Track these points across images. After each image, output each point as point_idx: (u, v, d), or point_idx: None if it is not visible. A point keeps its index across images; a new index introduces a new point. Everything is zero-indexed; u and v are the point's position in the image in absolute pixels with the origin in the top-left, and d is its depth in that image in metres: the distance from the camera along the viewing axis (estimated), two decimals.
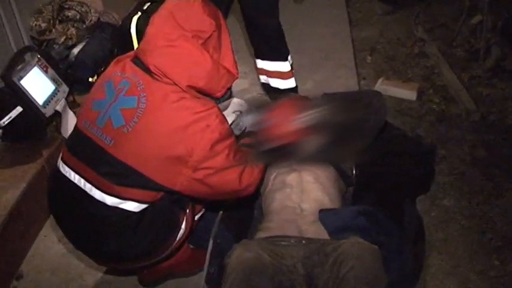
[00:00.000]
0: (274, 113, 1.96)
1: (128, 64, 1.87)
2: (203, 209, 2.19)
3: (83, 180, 1.88)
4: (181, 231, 2.03)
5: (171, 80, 1.77)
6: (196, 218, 2.15)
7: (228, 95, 1.98)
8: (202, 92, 1.84)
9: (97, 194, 1.85)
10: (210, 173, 1.82)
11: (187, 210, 2.03)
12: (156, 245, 1.98)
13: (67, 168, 1.93)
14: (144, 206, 1.88)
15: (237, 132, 2.23)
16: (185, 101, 1.78)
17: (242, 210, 2.39)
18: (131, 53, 1.96)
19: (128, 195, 1.84)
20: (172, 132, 1.76)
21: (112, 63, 1.96)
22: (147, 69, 1.80)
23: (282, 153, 2.01)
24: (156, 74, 1.79)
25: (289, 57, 3.19)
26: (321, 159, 2.32)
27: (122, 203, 1.85)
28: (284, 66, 3.16)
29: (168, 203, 1.93)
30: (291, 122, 1.90)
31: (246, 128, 2.28)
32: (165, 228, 1.97)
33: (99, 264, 2.23)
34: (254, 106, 1.92)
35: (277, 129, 1.91)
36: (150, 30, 1.85)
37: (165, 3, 1.89)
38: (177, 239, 2.03)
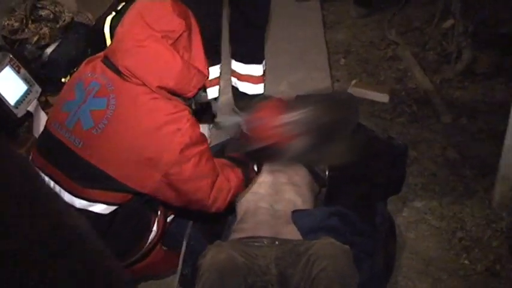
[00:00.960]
0: (260, 114, 1.97)
1: (98, 65, 1.86)
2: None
3: (52, 182, 1.86)
4: (153, 233, 2.02)
5: (140, 80, 1.76)
6: (168, 219, 2.15)
7: (200, 94, 1.96)
8: (173, 93, 1.82)
9: (66, 197, 1.83)
10: (179, 179, 1.80)
11: (159, 212, 2.03)
12: (127, 247, 1.97)
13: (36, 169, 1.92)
14: (113, 207, 1.87)
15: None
16: (156, 102, 1.77)
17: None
18: (101, 53, 1.94)
19: (96, 197, 1.82)
20: (142, 134, 1.74)
21: (83, 64, 1.95)
22: (117, 70, 1.79)
23: (267, 154, 2.02)
24: (125, 75, 1.78)
25: (263, 62, 3.19)
26: (305, 160, 2.33)
27: (90, 205, 1.83)
28: (257, 70, 3.15)
29: (139, 205, 1.92)
30: (276, 123, 1.90)
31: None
32: (136, 230, 1.96)
33: None
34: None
35: (263, 130, 1.92)
36: (119, 30, 1.84)
37: (135, 3, 1.88)
38: (149, 240, 2.03)
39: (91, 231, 0.84)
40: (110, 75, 1.80)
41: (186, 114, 1.80)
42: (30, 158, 1.98)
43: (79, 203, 1.83)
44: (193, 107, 1.96)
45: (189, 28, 1.84)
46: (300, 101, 1.93)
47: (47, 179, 1.87)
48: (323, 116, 1.95)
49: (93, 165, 1.78)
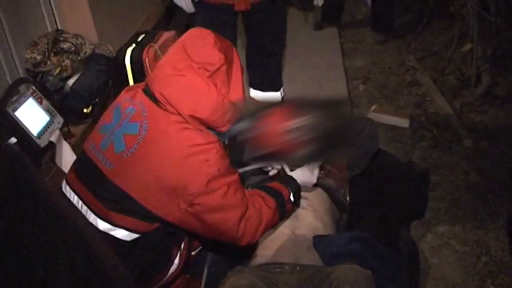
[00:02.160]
0: (266, 120, 1.95)
1: (138, 92, 1.88)
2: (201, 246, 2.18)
3: (80, 202, 1.88)
4: (174, 266, 2.01)
5: (174, 108, 1.77)
6: (193, 253, 2.14)
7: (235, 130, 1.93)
8: (206, 125, 1.81)
9: (91, 217, 1.84)
10: (204, 210, 1.77)
11: (182, 245, 2.02)
12: (146, 277, 1.96)
13: (68, 189, 1.93)
14: (134, 235, 1.86)
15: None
16: (186, 132, 1.76)
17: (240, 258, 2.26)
18: (139, 84, 1.98)
19: (119, 222, 1.83)
20: (169, 163, 1.74)
21: (124, 90, 1.98)
22: (153, 97, 1.81)
23: (272, 159, 2.01)
24: (160, 102, 1.79)
25: (281, 89, 3.20)
26: (309, 163, 2.32)
27: (112, 229, 1.84)
28: (275, 96, 3.16)
29: (161, 236, 1.90)
30: (282, 130, 1.88)
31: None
32: (155, 261, 1.95)
33: None
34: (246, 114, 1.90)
35: (268, 136, 1.90)
36: (162, 59, 1.88)
37: (182, 37, 1.90)
38: (169, 273, 2.02)
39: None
40: (146, 102, 1.81)
41: (216, 146, 1.78)
42: (66, 176, 2.00)
43: (102, 225, 1.83)
44: (226, 142, 1.94)
45: (228, 63, 1.83)
46: (304, 106, 1.91)
47: (76, 198, 1.89)
48: (327, 121, 1.94)
49: (121, 188, 1.78)
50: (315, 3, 3.01)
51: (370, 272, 1.91)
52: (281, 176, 2.18)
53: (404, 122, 3.53)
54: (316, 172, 2.21)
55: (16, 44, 3.05)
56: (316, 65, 4.36)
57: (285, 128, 1.82)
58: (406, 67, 4.27)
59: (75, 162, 2.05)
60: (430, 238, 2.63)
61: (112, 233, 1.84)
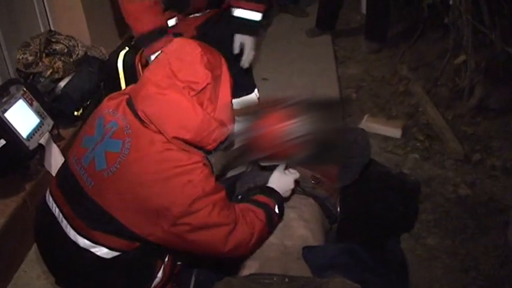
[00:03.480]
0: (262, 122, 1.91)
1: (121, 104, 1.82)
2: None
3: (61, 216, 1.85)
4: (157, 280, 1.98)
5: (157, 128, 1.72)
6: (179, 263, 2.12)
7: (223, 147, 1.87)
8: (191, 144, 1.76)
9: (71, 233, 1.82)
10: (188, 230, 1.74)
11: (167, 259, 1.99)
12: None
13: (51, 199, 1.91)
14: (115, 253, 1.82)
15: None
16: (170, 153, 1.71)
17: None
18: (127, 91, 1.90)
19: (101, 240, 1.79)
20: (152, 184, 1.69)
21: (106, 99, 1.92)
22: (137, 114, 1.75)
23: (271, 161, 1.98)
24: (143, 121, 1.74)
25: (255, 90, 3.11)
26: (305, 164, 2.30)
27: (93, 247, 1.80)
28: (251, 98, 3.05)
29: (143, 253, 1.87)
30: (279, 133, 1.85)
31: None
32: (137, 277, 1.92)
33: None
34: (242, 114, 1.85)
35: (265, 139, 1.87)
36: (145, 73, 1.80)
37: (168, 46, 1.84)
38: (152, 286, 1.99)
39: None
40: (130, 118, 1.76)
41: (200, 166, 1.74)
42: (49, 186, 1.97)
43: (82, 242, 1.80)
44: (212, 160, 1.88)
45: (216, 79, 1.76)
46: (301, 108, 1.88)
47: (57, 211, 1.87)
48: (324, 124, 1.92)
49: (102, 208, 1.74)
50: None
51: (360, 286, 1.90)
52: (262, 187, 2.14)
53: (396, 133, 3.52)
54: (292, 175, 2.17)
55: (8, 44, 3.04)
56: (310, 72, 4.36)
57: (281, 130, 1.78)
58: (399, 77, 4.27)
59: (58, 172, 2.01)
60: (419, 251, 2.62)
61: (92, 250, 1.81)
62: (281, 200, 2.09)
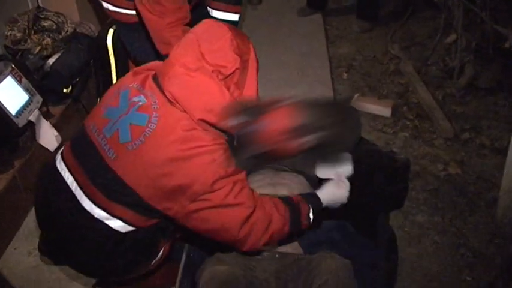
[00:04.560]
0: (266, 118, 1.89)
1: (148, 81, 1.79)
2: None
3: (75, 184, 1.81)
4: (157, 257, 1.99)
5: (184, 109, 1.70)
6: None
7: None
8: (216, 127, 1.73)
9: (86, 203, 1.78)
10: (207, 206, 1.72)
11: (168, 239, 2.00)
12: (128, 268, 1.93)
13: (63, 166, 1.86)
14: (129, 228, 1.81)
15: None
16: (194, 132, 1.70)
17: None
18: (152, 67, 1.88)
19: (118, 213, 1.77)
20: (176, 160, 1.68)
21: (130, 73, 1.89)
22: (163, 93, 1.73)
23: (266, 159, 1.95)
24: (170, 100, 1.72)
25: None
26: (303, 164, 2.30)
27: (108, 218, 1.78)
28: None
29: (152, 232, 1.87)
30: (282, 129, 1.83)
31: None
32: (142, 255, 1.92)
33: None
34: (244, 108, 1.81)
35: (267, 134, 1.85)
36: (173, 52, 1.77)
37: (198, 25, 1.81)
38: (151, 264, 2.00)
39: None
40: (157, 95, 1.74)
41: (222, 147, 1.72)
42: (61, 151, 1.93)
43: (98, 213, 1.77)
44: (235, 143, 1.81)
45: (244, 65, 1.74)
46: (307, 107, 1.85)
47: (70, 178, 1.83)
48: (330, 125, 1.89)
49: (122, 180, 1.72)
50: None
51: (350, 262, 1.92)
52: (308, 193, 2.10)
53: (386, 111, 3.53)
54: (347, 188, 2.11)
55: None
56: (300, 51, 4.34)
57: (287, 127, 1.75)
58: (390, 56, 4.27)
59: (72, 140, 1.94)
60: (408, 228, 2.64)
61: (106, 221, 1.78)
62: (319, 209, 2.00)
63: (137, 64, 2.78)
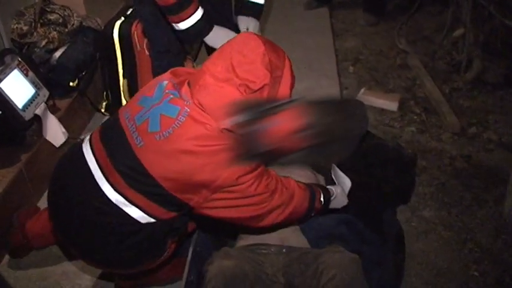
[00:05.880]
0: (275, 117, 1.88)
1: (184, 85, 1.80)
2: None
3: (97, 168, 1.80)
4: (165, 254, 1.99)
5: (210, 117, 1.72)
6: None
7: None
8: None
9: (105, 187, 1.78)
10: (229, 197, 1.77)
11: (179, 236, 2.01)
12: (136, 261, 1.93)
13: (89, 148, 1.86)
14: (148, 219, 1.80)
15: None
16: (220, 133, 1.72)
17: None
18: (190, 71, 1.92)
19: (137, 201, 1.77)
20: (201, 155, 1.69)
21: (169, 72, 1.90)
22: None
23: (269, 157, 1.95)
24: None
25: None
26: (305, 162, 2.30)
27: (126, 205, 1.77)
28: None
29: (165, 231, 1.88)
30: (292, 129, 1.82)
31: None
32: (151, 251, 1.92)
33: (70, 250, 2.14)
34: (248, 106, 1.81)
35: (275, 133, 1.84)
36: (206, 62, 1.79)
37: (235, 37, 1.84)
38: (159, 259, 2.00)
39: None
40: (190, 99, 1.75)
41: None
42: (91, 133, 1.93)
43: (116, 198, 1.77)
44: (239, 141, 1.82)
45: (275, 81, 1.76)
46: (318, 108, 1.83)
47: (94, 161, 1.82)
48: (339, 126, 1.88)
49: (146, 170, 1.72)
50: None
51: (358, 256, 1.91)
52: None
53: (393, 105, 3.52)
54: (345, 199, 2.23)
55: (2, 14, 2.99)
56: (306, 45, 4.32)
57: (295, 127, 1.74)
58: (396, 50, 4.25)
59: (104, 125, 1.95)
60: (415, 223, 2.63)
61: (124, 208, 1.78)
62: (328, 197, 2.10)
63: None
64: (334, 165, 2.43)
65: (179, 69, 1.96)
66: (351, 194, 2.41)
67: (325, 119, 1.71)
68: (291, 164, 2.16)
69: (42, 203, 2.69)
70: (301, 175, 2.26)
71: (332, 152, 1.99)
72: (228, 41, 1.83)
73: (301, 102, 1.74)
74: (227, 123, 1.70)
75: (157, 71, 2.90)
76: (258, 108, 1.68)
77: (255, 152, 1.72)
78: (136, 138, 1.75)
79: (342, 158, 2.42)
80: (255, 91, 1.71)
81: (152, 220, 1.81)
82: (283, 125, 1.67)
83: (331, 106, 1.81)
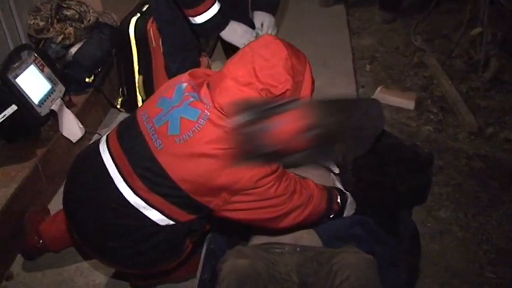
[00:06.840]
0: (281, 117, 1.87)
1: (203, 86, 1.79)
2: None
3: (115, 169, 1.79)
4: (182, 256, 1.99)
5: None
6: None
7: None
8: None
9: (123, 188, 1.77)
10: (249, 200, 1.77)
11: (196, 238, 2.01)
12: (153, 262, 1.93)
13: (106, 149, 1.85)
14: (168, 222, 1.79)
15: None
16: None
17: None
18: (209, 73, 1.91)
19: (157, 204, 1.76)
20: (221, 158, 1.68)
21: (188, 73, 1.89)
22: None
23: (274, 157, 1.94)
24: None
25: None
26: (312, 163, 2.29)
27: (146, 208, 1.77)
28: None
29: (184, 233, 1.88)
30: (298, 129, 1.81)
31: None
32: (169, 253, 1.92)
33: (86, 251, 2.12)
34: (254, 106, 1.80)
35: (280, 134, 1.83)
36: (227, 65, 1.78)
37: (256, 40, 1.83)
38: (175, 261, 2.00)
39: None
40: (210, 102, 1.74)
41: None
42: (108, 133, 1.92)
43: (135, 201, 1.76)
44: (242, 141, 1.88)
45: (297, 86, 1.75)
46: (326, 108, 1.82)
47: (110, 162, 1.81)
48: (345, 126, 1.86)
49: (166, 172, 1.71)
50: None
51: (372, 257, 1.90)
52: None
53: (410, 104, 3.49)
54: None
55: (19, 10, 3.00)
56: (323, 42, 4.29)
57: (298, 129, 1.73)
58: (413, 48, 4.22)
59: (120, 126, 1.94)
60: (431, 223, 2.61)
61: (143, 210, 1.77)
62: (345, 199, 2.14)
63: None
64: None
65: (197, 70, 1.95)
66: (365, 194, 2.40)
67: (328, 119, 1.70)
68: (296, 163, 2.15)
69: (55, 201, 2.70)
70: (314, 174, 2.24)
71: (339, 152, 1.99)
72: (249, 44, 1.82)
73: (306, 101, 1.73)
74: (231, 122, 1.69)
75: (170, 68, 2.91)
76: (261, 108, 1.67)
77: (259, 152, 1.71)
78: (156, 140, 1.74)
79: (354, 156, 2.41)
80: (277, 96, 1.71)
81: (171, 222, 1.80)
82: (287, 126, 1.66)
83: (337, 105, 1.80)
